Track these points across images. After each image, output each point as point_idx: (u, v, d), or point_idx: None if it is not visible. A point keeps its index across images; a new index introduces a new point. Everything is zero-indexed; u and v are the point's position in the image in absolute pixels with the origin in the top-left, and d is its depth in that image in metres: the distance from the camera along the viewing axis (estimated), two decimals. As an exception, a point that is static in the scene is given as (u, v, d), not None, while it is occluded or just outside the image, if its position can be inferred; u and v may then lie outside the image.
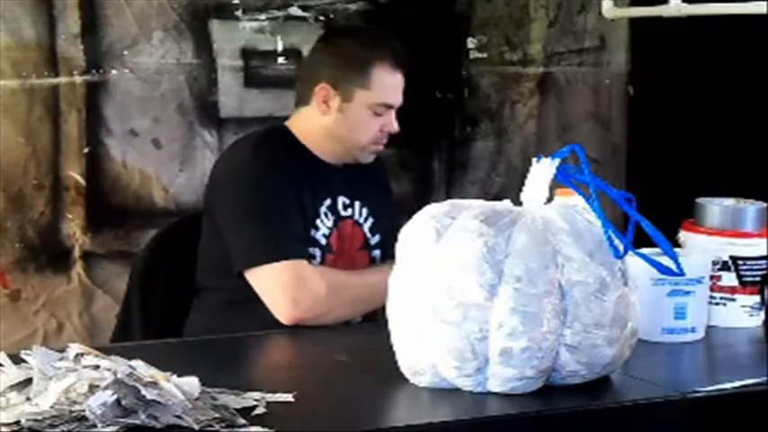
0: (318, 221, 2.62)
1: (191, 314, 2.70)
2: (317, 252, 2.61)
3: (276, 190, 2.56)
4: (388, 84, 2.66)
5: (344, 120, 2.64)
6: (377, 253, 2.76)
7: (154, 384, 1.68)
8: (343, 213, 2.69)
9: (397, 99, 2.69)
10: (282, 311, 2.47)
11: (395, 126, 2.69)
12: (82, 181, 3.37)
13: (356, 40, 2.71)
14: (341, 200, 2.69)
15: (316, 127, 2.67)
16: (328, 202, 2.66)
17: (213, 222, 2.62)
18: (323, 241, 2.62)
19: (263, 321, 2.48)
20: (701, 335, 2.30)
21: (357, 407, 1.87)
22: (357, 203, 2.72)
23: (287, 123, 2.72)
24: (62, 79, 3.33)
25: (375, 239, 2.75)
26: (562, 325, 1.86)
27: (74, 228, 3.37)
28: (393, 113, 2.69)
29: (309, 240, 2.60)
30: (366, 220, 2.74)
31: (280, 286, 2.48)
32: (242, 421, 1.70)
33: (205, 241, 2.68)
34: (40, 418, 1.63)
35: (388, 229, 2.73)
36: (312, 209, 2.62)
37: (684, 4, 3.34)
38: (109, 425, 1.61)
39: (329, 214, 2.65)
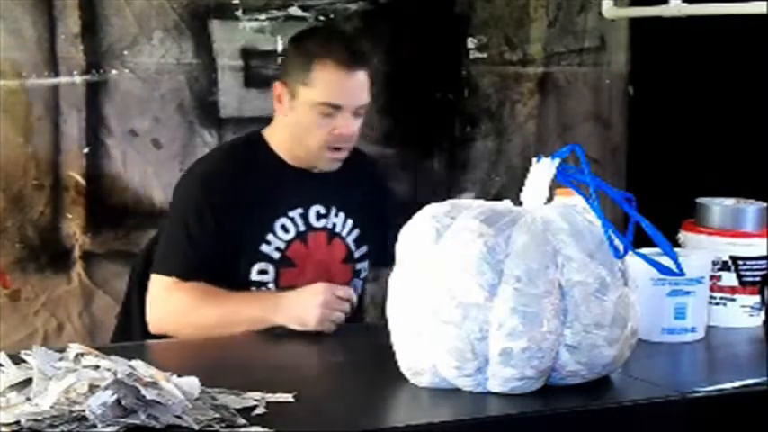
0: (270, 236, 2.55)
1: None
2: (270, 267, 2.56)
3: (196, 207, 2.53)
4: (333, 83, 2.50)
5: (296, 118, 2.55)
6: (363, 266, 2.68)
7: (154, 384, 1.68)
8: (315, 224, 2.61)
9: (347, 101, 2.52)
10: (148, 320, 2.53)
11: (349, 129, 2.53)
12: (82, 181, 3.37)
13: (305, 38, 2.61)
14: (314, 209, 2.60)
15: (281, 129, 2.61)
16: (298, 211, 2.58)
17: None
18: (275, 255, 2.55)
19: None
20: (701, 335, 2.30)
21: (357, 407, 1.88)
22: (341, 214, 2.63)
23: (265, 130, 2.65)
24: (62, 79, 3.33)
25: (361, 251, 2.66)
26: (562, 325, 1.86)
27: (74, 228, 3.37)
28: (348, 116, 2.52)
29: (257, 256, 2.54)
30: (351, 231, 2.65)
31: (150, 297, 2.54)
32: (242, 421, 1.70)
33: None
34: (40, 418, 1.63)
35: (382, 237, 2.63)
36: (261, 223, 2.55)
37: (684, 4, 3.35)
38: (109, 425, 1.62)
39: (291, 226, 2.57)
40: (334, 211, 2.63)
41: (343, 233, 2.64)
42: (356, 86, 2.53)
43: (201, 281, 2.49)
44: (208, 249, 2.51)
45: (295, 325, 2.36)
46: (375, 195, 2.74)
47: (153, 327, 2.52)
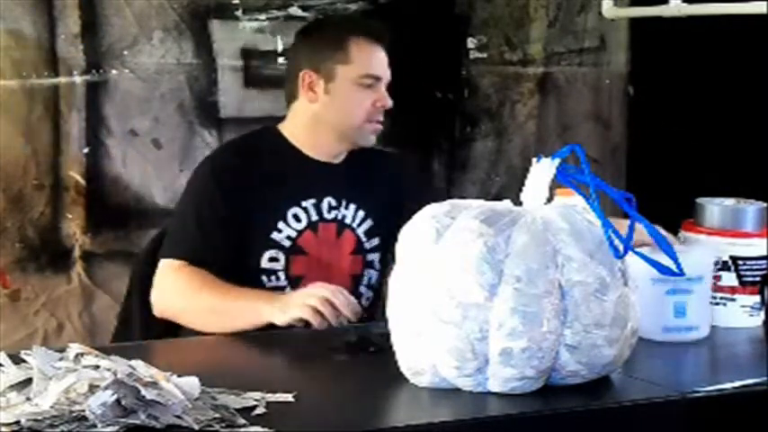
0: (282, 224, 2.58)
1: None
2: (280, 255, 2.58)
3: (208, 193, 2.56)
4: (369, 55, 2.62)
5: (333, 101, 2.61)
6: (374, 257, 2.69)
7: (154, 384, 1.68)
8: (327, 215, 2.63)
9: (382, 72, 2.64)
10: (153, 300, 2.54)
11: (388, 100, 2.64)
12: (82, 181, 3.37)
13: (329, 23, 2.77)
14: (327, 201, 2.64)
15: (306, 119, 2.64)
16: (311, 202, 2.61)
17: None
18: (286, 243, 2.58)
19: None
20: (705, 333, 2.30)
21: (357, 407, 1.88)
22: (352, 205, 2.66)
23: (280, 125, 2.69)
24: (62, 79, 3.33)
25: (372, 243, 2.68)
26: (562, 325, 1.86)
27: (74, 228, 3.37)
28: (383, 88, 2.64)
29: (268, 243, 2.56)
30: (362, 222, 2.67)
31: (157, 278, 2.54)
32: (242, 421, 1.70)
33: None
34: (40, 418, 1.63)
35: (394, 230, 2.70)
36: (274, 211, 2.58)
37: (684, 4, 3.35)
38: (109, 425, 1.61)
39: (303, 215, 2.60)
40: (344, 202, 2.66)
41: (354, 224, 2.66)
42: (385, 60, 2.67)
43: (210, 267, 2.50)
44: (218, 234, 2.54)
45: (278, 311, 2.34)
46: (396, 188, 2.73)
47: (157, 306, 2.53)
